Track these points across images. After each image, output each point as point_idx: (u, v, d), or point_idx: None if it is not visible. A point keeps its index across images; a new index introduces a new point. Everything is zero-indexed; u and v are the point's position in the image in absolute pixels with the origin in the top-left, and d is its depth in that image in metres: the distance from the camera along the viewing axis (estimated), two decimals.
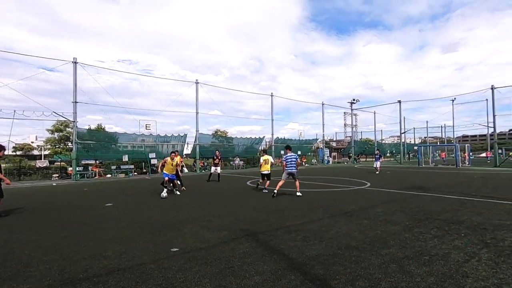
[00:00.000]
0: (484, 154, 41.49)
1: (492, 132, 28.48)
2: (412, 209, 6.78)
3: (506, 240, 4.33)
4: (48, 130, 32.48)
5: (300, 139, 35.73)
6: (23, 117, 16.33)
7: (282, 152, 33.37)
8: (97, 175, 19.39)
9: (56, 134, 33.30)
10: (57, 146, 33.22)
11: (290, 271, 3.29)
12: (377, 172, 18.56)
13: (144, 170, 22.23)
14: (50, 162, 23.93)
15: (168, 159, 9.97)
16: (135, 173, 21.67)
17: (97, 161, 21.54)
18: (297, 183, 9.17)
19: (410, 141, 52.09)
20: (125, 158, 20.63)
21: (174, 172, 10.11)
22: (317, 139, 35.53)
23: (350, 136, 42.47)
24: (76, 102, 17.77)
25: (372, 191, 10.22)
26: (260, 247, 4.16)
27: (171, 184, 10.09)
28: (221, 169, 15.58)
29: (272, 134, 28.70)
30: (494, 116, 27.09)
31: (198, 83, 23.29)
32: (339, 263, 3.50)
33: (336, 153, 41.00)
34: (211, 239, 4.61)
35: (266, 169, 10.26)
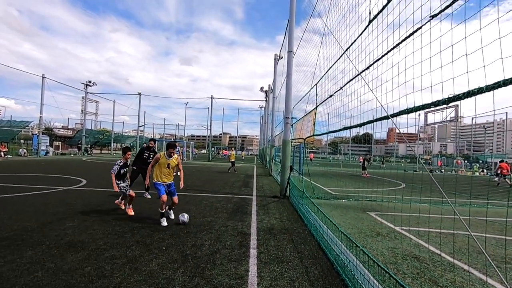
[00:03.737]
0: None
1: (209, 134, 35.83)
2: (123, 216, 5.38)
3: (204, 245, 3.91)
4: None
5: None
6: None
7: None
8: None
9: None
10: None
11: None
12: None
13: None
14: None
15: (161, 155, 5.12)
16: None
17: None
18: None
19: (152, 136, 54.15)
20: None
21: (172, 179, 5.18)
22: (29, 122, 26.32)
23: (81, 124, 35.82)
24: None
25: (84, 191, 7.93)
26: None
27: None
28: None
29: None
30: (211, 120, 34.77)
31: None
32: None
33: (61, 142, 33.00)
34: None
35: None
